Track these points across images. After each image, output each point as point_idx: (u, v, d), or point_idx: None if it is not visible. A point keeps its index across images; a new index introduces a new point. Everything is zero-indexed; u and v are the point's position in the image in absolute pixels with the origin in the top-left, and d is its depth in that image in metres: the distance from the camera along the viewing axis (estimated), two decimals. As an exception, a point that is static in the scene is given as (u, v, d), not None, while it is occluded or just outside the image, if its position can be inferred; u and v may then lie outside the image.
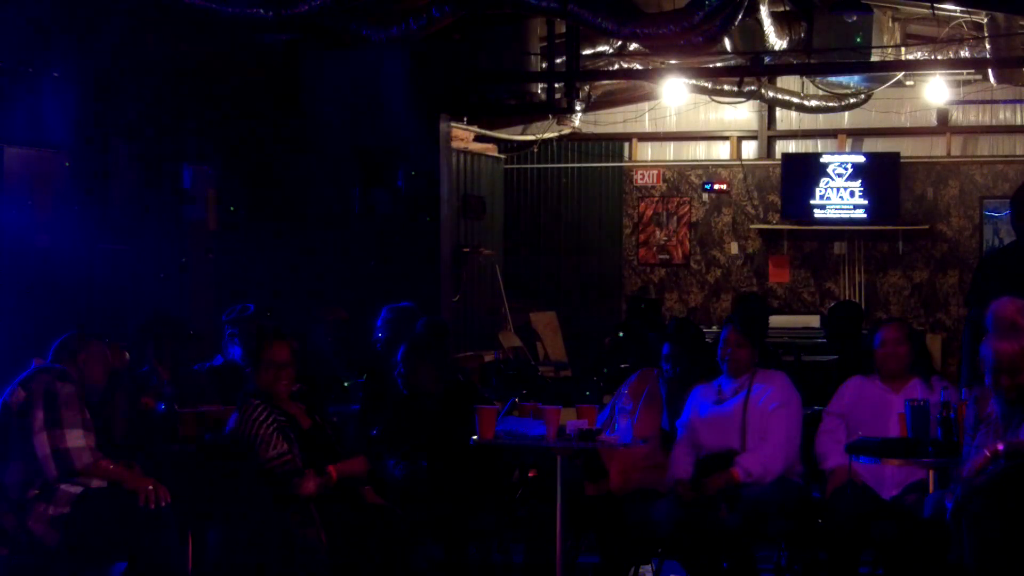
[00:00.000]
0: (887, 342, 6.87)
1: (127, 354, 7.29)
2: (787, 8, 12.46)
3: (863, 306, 14.24)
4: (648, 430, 6.99)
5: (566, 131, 15.54)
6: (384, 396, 7.58)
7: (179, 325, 7.61)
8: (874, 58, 12.55)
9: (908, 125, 15.21)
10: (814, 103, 14.58)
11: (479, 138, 14.01)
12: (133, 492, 6.13)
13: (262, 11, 8.59)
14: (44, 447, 6.08)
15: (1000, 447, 5.71)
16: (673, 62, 13.25)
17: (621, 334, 11.51)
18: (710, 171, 15.71)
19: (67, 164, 9.41)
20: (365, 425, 7.61)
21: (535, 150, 15.62)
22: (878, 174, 14.93)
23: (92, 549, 6.19)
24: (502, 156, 14.94)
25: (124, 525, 6.10)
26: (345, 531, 6.37)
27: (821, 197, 14.98)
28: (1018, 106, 15.05)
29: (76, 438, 6.12)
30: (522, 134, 15.18)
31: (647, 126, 15.85)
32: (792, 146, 15.60)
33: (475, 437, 6.60)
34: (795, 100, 14.58)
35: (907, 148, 15.18)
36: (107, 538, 6.14)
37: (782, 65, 12.94)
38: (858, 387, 6.96)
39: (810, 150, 15.49)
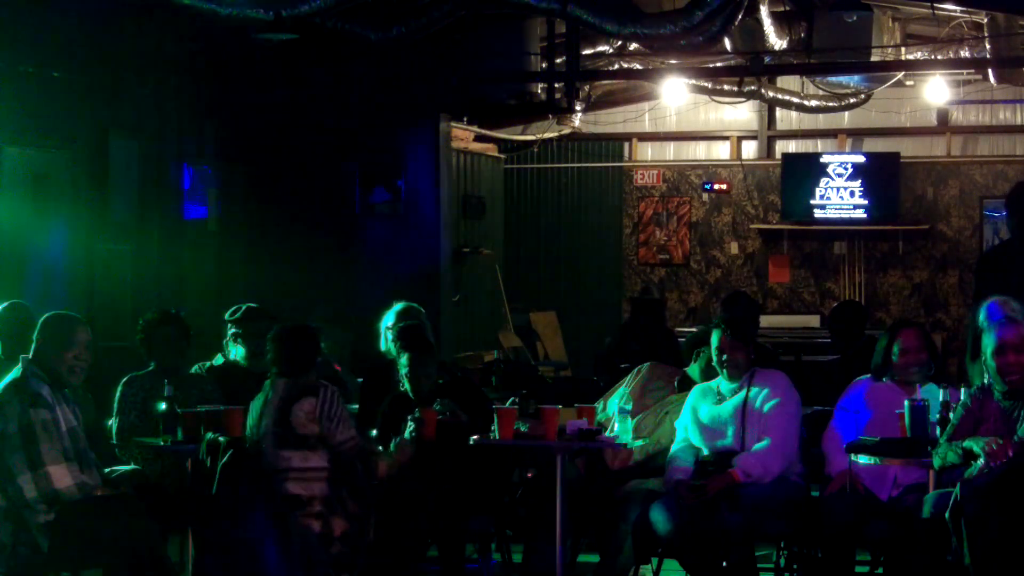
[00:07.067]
0: (909, 350, 6.81)
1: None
2: (787, 8, 12.46)
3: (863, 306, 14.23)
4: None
5: (566, 131, 15.53)
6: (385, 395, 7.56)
7: (180, 324, 7.59)
8: (874, 58, 12.55)
9: (908, 125, 15.22)
10: (814, 103, 14.58)
11: (479, 138, 14.00)
12: (107, 500, 6.17)
13: (262, 11, 8.59)
14: (31, 490, 6.02)
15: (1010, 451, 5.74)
16: (673, 62, 13.25)
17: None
18: (710, 171, 15.71)
19: (67, 164, 9.41)
20: (365, 425, 7.59)
21: (535, 150, 15.61)
22: (878, 174, 14.94)
23: (76, 556, 6.18)
24: (502, 156, 14.93)
25: (103, 533, 6.11)
26: None
27: (821, 197, 14.99)
28: (1018, 106, 15.05)
29: (61, 476, 6.05)
30: (522, 134, 15.17)
31: (647, 126, 15.85)
32: (792, 146, 15.61)
33: (475, 437, 6.60)
34: (795, 100, 14.58)
35: (907, 148, 15.19)
36: (88, 545, 6.13)
37: (782, 65, 12.94)
38: (870, 388, 6.92)
39: (810, 150, 15.49)
